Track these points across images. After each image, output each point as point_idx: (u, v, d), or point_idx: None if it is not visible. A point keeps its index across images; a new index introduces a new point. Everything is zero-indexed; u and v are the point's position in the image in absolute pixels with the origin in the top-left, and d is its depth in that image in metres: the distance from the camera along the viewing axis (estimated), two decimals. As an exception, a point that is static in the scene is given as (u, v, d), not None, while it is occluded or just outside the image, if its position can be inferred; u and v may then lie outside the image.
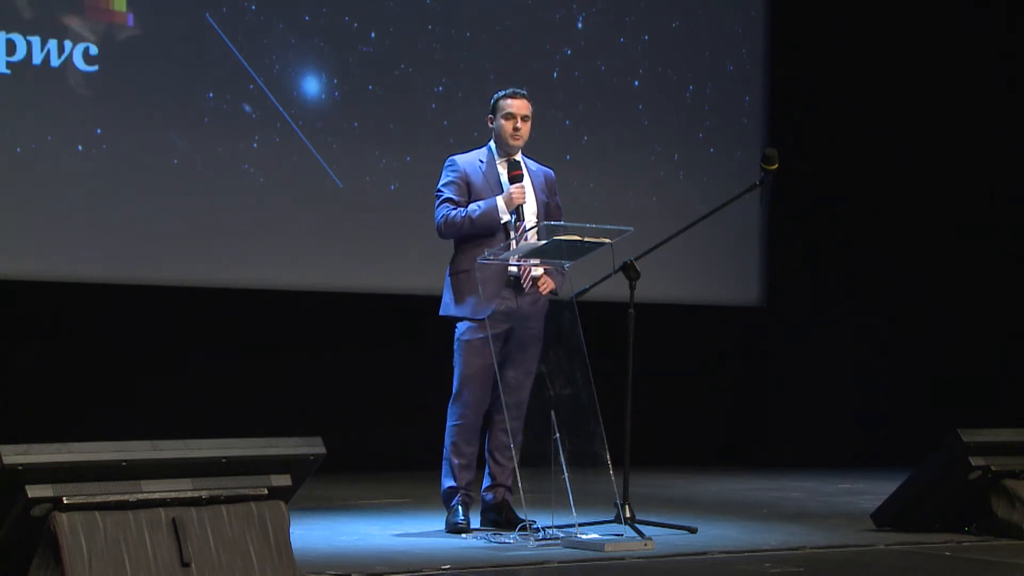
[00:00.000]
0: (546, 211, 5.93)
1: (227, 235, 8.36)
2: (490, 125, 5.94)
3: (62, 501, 3.92)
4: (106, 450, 4.04)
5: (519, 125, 5.88)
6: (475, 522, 5.86)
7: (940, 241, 10.46)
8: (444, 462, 5.86)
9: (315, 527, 5.86)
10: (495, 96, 5.93)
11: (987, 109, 10.52)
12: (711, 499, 7.57)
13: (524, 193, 5.82)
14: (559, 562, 5.04)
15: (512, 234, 5.77)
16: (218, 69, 8.29)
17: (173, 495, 4.11)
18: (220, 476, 4.21)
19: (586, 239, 5.52)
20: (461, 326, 5.83)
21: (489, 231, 5.78)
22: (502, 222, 5.78)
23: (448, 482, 5.85)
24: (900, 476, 6.16)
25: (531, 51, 9.24)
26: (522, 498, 5.49)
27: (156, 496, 4.08)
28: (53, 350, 8.00)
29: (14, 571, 3.99)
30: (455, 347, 5.84)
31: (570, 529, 5.42)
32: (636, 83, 9.65)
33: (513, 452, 5.74)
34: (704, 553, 5.30)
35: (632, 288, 5.84)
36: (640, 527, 5.60)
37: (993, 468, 5.76)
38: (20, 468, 3.87)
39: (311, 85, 8.60)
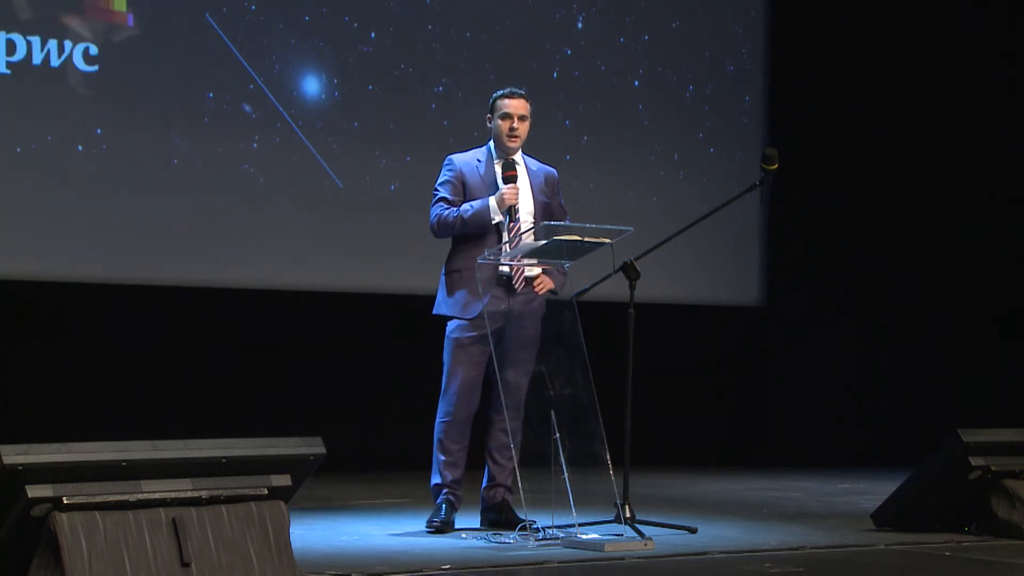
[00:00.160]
0: (546, 211, 5.91)
1: (227, 235, 8.36)
2: (488, 125, 5.94)
3: (62, 501, 3.92)
4: (106, 450, 4.03)
5: (516, 125, 5.86)
6: (473, 522, 5.86)
7: (940, 241, 10.46)
8: (432, 459, 5.88)
9: (315, 527, 5.86)
10: (493, 96, 5.93)
11: (987, 109, 10.52)
12: (711, 499, 7.57)
13: (516, 194, 5.79)
14: (559, 562, 5.04)
15: (505, 235, 5.77)
16: (218, 69, 8.29)
17: (173, 495, 4.11)
18: (220, 476, 4.21)
19: (586, 239, 5.52)
20: (451, 324, 5.84)
21: (481, 231, 5.78)
22: (494, 223, 5.78)
23: (434, 479, 5.86)
24: (900, 476, 6.16)
25: (531, 51, 9.24)
26: (522, 498, 5.49)
27: (156, 496, 4.08)
28: (53, 350, 8.00)
29: (14, 571, 3.99)
30: (445, 344, 5.86)
31: (570, 529, 5.41)
32: (636, 83, 9.65)
33: (513, 452, 5.74)
34: (704, 553, 5.30)
35: (632, 288, 5.84)
36: (640, 527, 5.60)
37: (993, 468, 5.76)
38: (20, 468, 3.87)
39: (311, 85, 8.60)
